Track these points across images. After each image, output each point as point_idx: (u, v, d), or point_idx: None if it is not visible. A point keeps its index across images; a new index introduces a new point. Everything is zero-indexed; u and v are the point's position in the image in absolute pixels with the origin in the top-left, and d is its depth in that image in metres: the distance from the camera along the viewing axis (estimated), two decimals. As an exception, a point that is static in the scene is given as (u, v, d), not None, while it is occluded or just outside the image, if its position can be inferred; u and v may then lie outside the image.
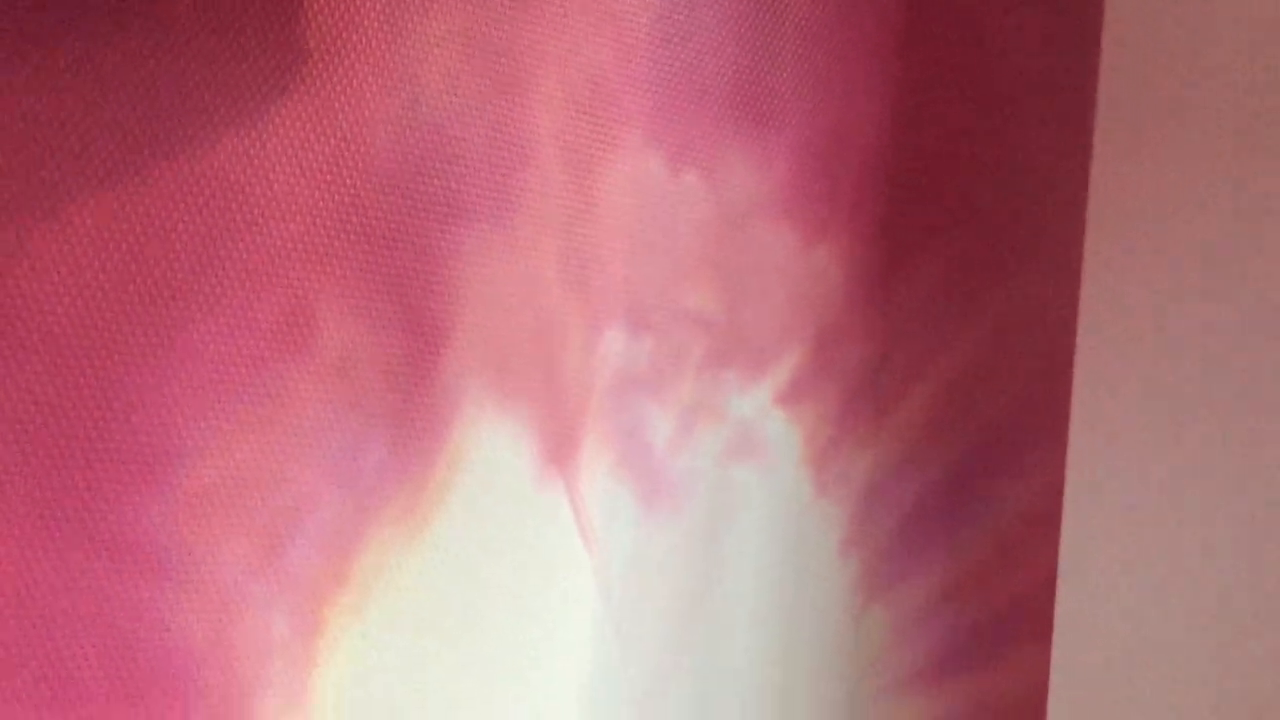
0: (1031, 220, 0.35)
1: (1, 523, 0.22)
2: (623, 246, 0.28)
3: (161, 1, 0.24)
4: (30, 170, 0.22)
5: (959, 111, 0.34)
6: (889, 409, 0.31)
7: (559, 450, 0.27)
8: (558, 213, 0.27)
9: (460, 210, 0.26)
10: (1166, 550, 0.31)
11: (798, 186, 0.30)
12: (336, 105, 0.26)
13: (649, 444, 0.29)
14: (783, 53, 0.31)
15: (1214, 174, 0.34)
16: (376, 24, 0.25)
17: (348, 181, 0.25)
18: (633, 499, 0.28)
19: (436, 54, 0.25)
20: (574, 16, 0.28)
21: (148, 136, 0.23)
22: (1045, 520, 0.35)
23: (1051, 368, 0.35)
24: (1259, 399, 0.30)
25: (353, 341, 0.25)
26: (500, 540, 0.27)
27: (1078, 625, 0.32)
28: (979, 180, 0.34)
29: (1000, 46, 0.33)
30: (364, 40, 0.25)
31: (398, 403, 0.26)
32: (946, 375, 0.32)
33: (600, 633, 0.28)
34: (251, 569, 0.24)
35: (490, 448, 0.27)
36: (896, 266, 0.31)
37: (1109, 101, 0.35)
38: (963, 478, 0.33)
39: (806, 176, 0.30)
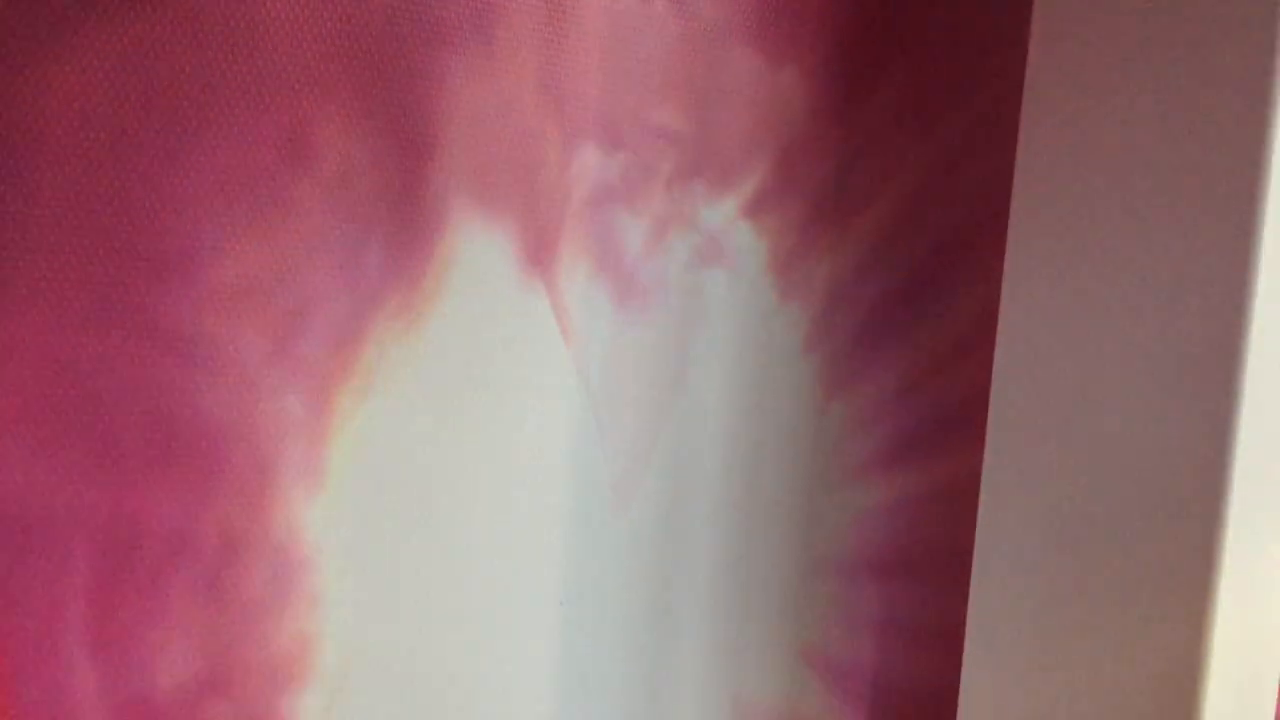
0: (980, 46, 0.37)
1: (54, 312, 0.25)
2: (596, 68, 0.30)
3: None
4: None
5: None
6: (848, 221, 0.34)
7: (539, 254, 0.30)
8: (534, 38, 0.29)
9: (444, 35, 0.28)
10: (1095, 348, 0.34)
11: (764, 11, 0.32)
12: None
13: (622, 250, 0.31)
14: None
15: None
16: None
17: (339, 8, 0.28)
18: (608, 299, 0.31)
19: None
20: None
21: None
22: (988, 324, 0.38)
23: (995, 184, 0.38)
24: (1190, 210, 0.33)
25: (349, 156, 0.28)
26: (488, 333, 0.30)
27: (1009, 417, 0.35)
28: (935, 7, 0.36)
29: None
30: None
31: (392, 211, 0.28)
32: (902, 190, 0.34)
33: (579, 416, 0.31)
34: (268, 356, 0.27)
35: (476, 251, 0.30)
36: (857, 89, 0.33)
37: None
38: (915, 284, 0.35)
39: (772, 1, 0.32)
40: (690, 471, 0.33)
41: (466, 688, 0.31)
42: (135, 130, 0.25)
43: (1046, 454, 0.32)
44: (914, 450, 0.36)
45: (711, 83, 0.31)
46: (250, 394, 0.26)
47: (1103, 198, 0.31)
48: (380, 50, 0.27)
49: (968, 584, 0.37)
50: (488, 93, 0.29)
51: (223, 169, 0.26)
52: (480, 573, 0.31)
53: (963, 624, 0.38)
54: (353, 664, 0.28)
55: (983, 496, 0.32)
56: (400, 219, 0.28)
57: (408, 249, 0.28)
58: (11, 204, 0.24)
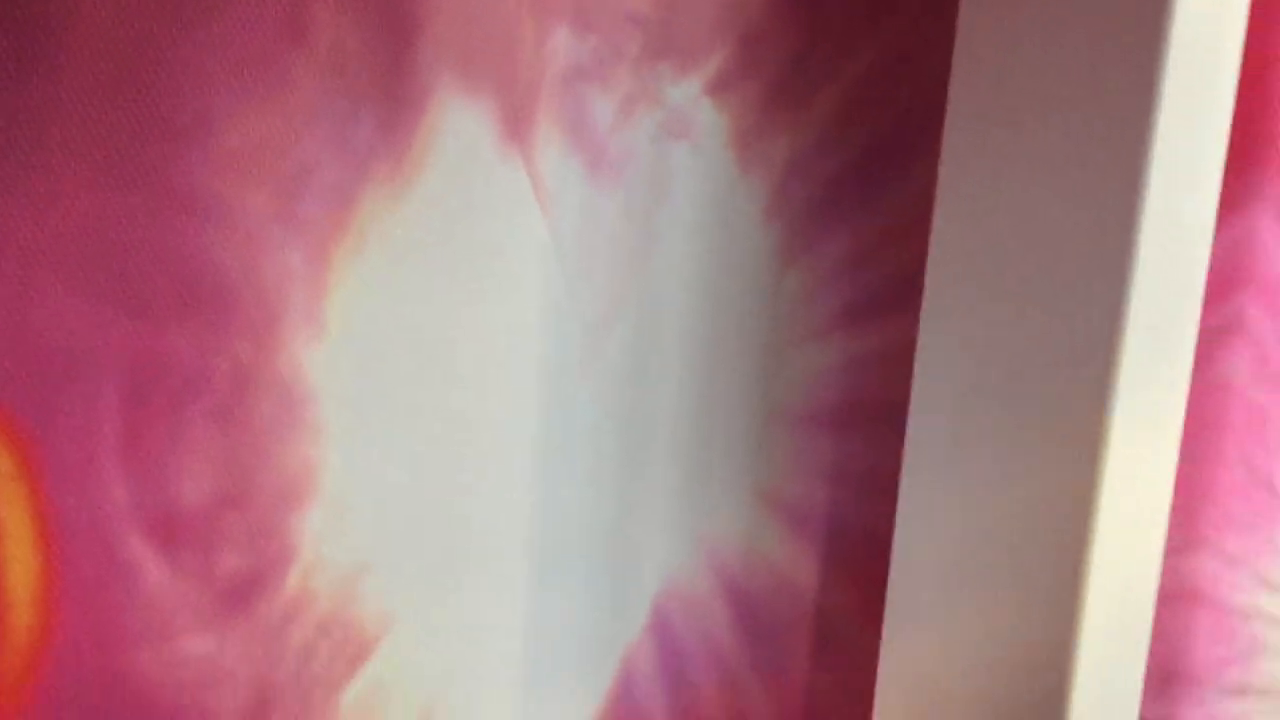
0: None
1: (86, 171, 0.29)
2: None
3: None
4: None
5: None
6: (805, 101, 0.37)
7: (517, 127, 0.33)
8: None
9: None
10: (1012, 227, 0.37)
11: None
12: None
13: (593, 124, 0.34)
14: None
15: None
16: None
17: None
18: (580, 169, 0.34)
19: None
20: None
21: None
22: (931, 202, 0.41)
23: (937, 76, 0.41)
24: (1090, 123, 0.36)
25: (341, 37, 0.31)
26: (470, 197, 0.34)
27: (942, 288, 0.38)
28: None
29: None
30: None
31: (381, 87, 0.32)
32: (854, 75, 0.37)
33: (553, 274, 0.35)
34: (272, 215, 0.31)
35: (459, 123, 0.33)
36: None
37: None
38: (867, 162, 0.38)
39: None
40: (656, 326, 0.37)
41: (452, 512, 0.35)
42: (152, 12, 0.28)
43: (972, 321, 0.35)
44: (863, 314, 0.39)
45: None
46: (256, 248, 0.30)
47: (1025, 99, 0.34)
48: None
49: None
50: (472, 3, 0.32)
51: (230, 47, 0.29)
52: (464, 409, 0.35)
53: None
54: (351, 486, 0.33)
55: (918, 356, 0.36)
56: (389, 94, 0.32)
57: (395, 121, 0.32)
58: (45, 73, 0.27)
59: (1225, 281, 0.38)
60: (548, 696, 0.38)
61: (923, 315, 0.36)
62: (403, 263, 0.33)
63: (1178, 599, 0.38)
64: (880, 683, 0.38)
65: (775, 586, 0.40)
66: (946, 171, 0.36)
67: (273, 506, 0.32)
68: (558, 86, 0.35)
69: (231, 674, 0.32)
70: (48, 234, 0.28)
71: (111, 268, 0.29)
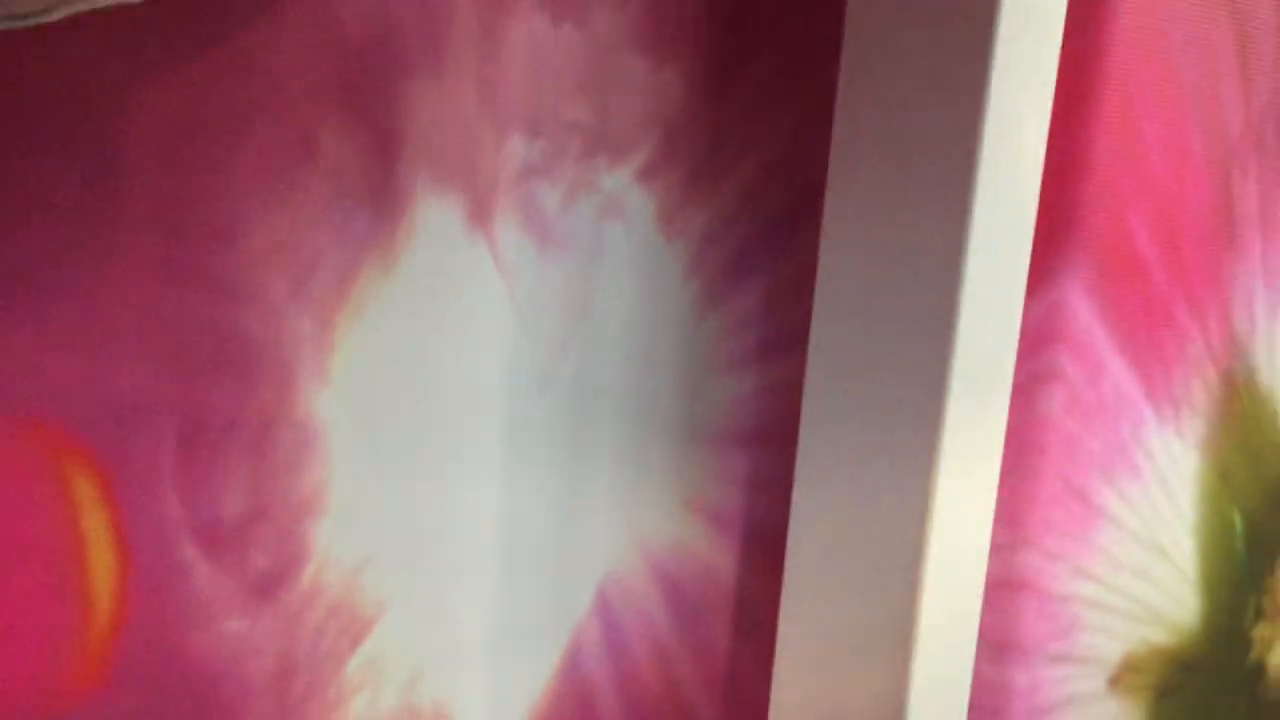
0: (808, 58, 0.45)
1: (146, 265, 0.35)
2: (519, 78, 0.39)
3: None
4: None
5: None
6: (716, 185, 0.40)
7: (480, 216, 0.38)
8: (473, 58, 0.37)
9: (407, 60, 0.37)
10: (878, 280, 0.41)
11: (648, 25, 0.41)
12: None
13: (542, 209, 0.38)
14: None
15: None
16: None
17: (331, 48, 0.37)
18: (532, 245, 0.38)
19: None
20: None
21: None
22: (815, 263, 0.44)
23: (821, 159, 0.43)
24: (937, 187, 0.40)
25: (341, 152, 0.36)
26: (444, 270, 0.37)
27: (826, 326, 0.40)
28: (782, 22, 0.43)
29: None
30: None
31: (373, 189, 0.37)
32: (755, 161, 0.42)
33: (512, 329, 0.38)
34: (289, 294, 0.36)
35: (434, 213, 0.37)
36: (723, 83, 0.41)
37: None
38: (765, 230, 0.41)
39: (654, 17, 0.41)
40: (597, 366, 0.41)
41: (433, 519, 0.39)
42: (194, 141, 0.34)
43: (842, 361, 0.39)
44: (766, 352, 0.43)
45: (608, 82, 0.39)
46: (277, 321, 0.36)
47: (877, 191, 0.38)
48: (359, 75, 0.36)
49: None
50: (440, 100, 0.37)
51: (255, 166, 0.35)
52: (441, 436, 0.38)
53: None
54: (352, 501, 0.38)
55: (805, 388, 0.41)
56: (377, 193, 0.37)
57: (383, 215, 0.37)
58: (114, 193, 0.34)
59: (1043, 337, 0.40)
60: (510, 665, 0.41)
61: (809, 354, 0.41)
62: (392, 323, 0.38)
63: (1009, 586, 0.40)
64: (779, 647, 0.43)
65: (698, 574, 0.44)
66: (825, 242, 0.40)
67: (292, 518, 0.38)
68: (513, 181, 0.39)
69: (261, 649, 0.38)
70: (123, 314, 0.34)
71: (169, 340, 0.35)
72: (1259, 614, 0.49)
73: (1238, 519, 0.46)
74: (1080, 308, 0.40)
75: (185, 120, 0.33)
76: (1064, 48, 0.38)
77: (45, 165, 0.32)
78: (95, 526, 0.34)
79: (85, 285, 0.32)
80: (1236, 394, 0.44)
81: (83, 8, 0.27)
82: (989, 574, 0.40)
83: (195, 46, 0.32)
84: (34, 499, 0.33)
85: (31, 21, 0.27)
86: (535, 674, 0.41)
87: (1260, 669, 0.50)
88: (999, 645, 0.40)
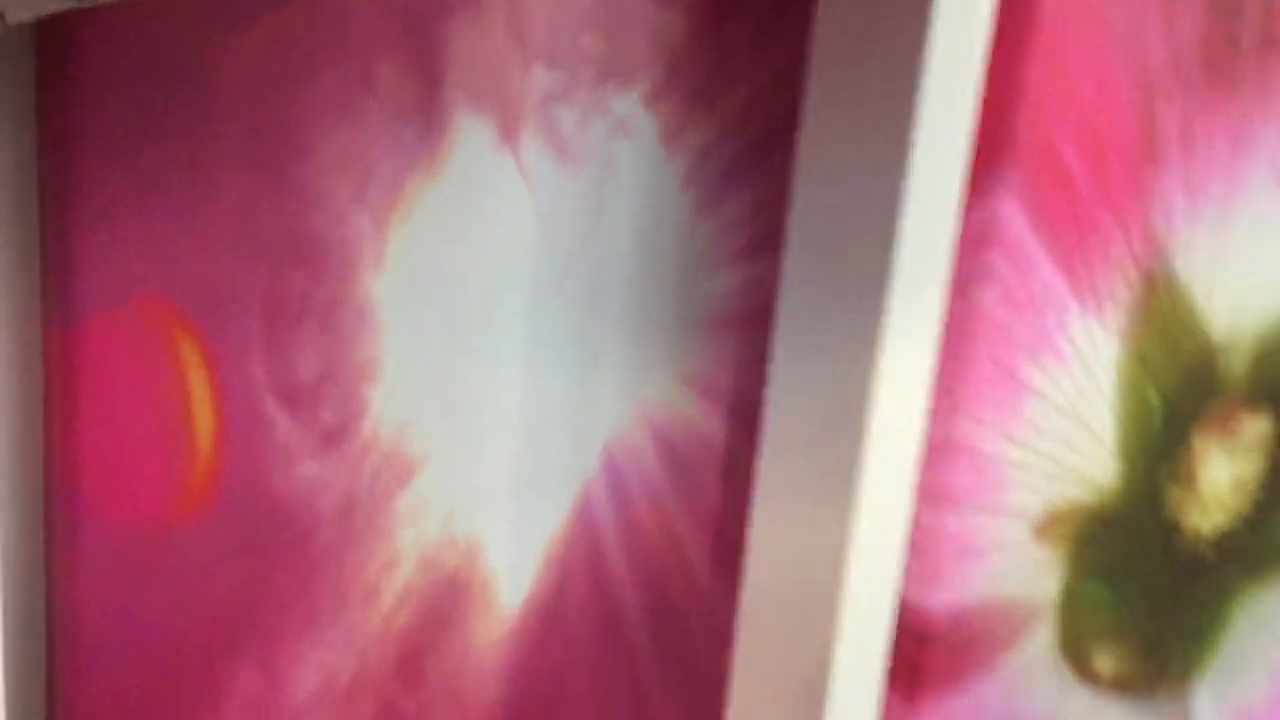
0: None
1: (241, 174, 0.42)
2: (542, 17, 0.45)
3: None
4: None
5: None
6: (712, 106, 0.43)
7: (508, 134, 0.42)
8: (503, 2, 0.44)
9: (447, 9, 0.43)
10: (847, 188, 0.42)
11: None
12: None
13: (561, 129, 0.43)
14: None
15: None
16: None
17: (384, 2, 0.42)
18: (552, 160, 0.43)
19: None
20: None
21: None
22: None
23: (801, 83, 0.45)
24: (884, 108, 0.40)
25: (394, 82, 0.43)
26: (478, 181, 0.43)
27: (798, 236, 0.43)
28: None
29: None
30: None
31: (420, 111, 0.43)
32: (747, 86, 0.43)
33: (534, 228, 0.43)
34: (352, 198, 0.43)
35: (470, 133, 0.42)
36: (721, 17, 0.42)
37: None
38: (754, 146, 0.44)
39: None
40: (608, 260, 0.45)
41: (468, 387, 0.45)
42: (275, 73, 0.41)
43: (813, 258, 0.42)
44: (755, 251, 0.45)
45: (618, 19, 0.44)
46: (343, 219, 0.43)
47: (846, 112, 0.41)
48: (408, 18, 0.43)
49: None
50: (474, 38, 0.44)
51: (324, 93, 0.42)
52: (475, 318, 0.44)
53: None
54: (401, 369, 0.44)
55: (782, 281, 0.46)
56: (425, 116, 0.44)
57: (429, 134, 0.44)
58: (213, 115, 0.40)
59: (979, 242, 0.43)
60: (530, 509, 0.46)
61: (785, 254, 0.46)
62: (434, 223, 0.44)
63: (945, 447, 0.43)
64: (756, 497, 0.46)
65: (690, 437, 0.47)
66: (801, 159, 0.44)
67: (353, 382, 0.45)
68: (536, 104, 0.45)
69: (328, 488, 0.46)
70: (222, 216, 0.41)
71: (257, 235, 0.42)
72: (1174, 479, 0.50)
73: (1155, 397, 0.48)
74: (1013, 217, 0.43)
75: (270, 60, 0.40)
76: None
77: (165, 99, 0.39)
78: (197, 388, 0.41)
79: (194, 195, 0.39)
80: (1155, 289, 0.46)
81: None
82: (928, 436, 0.46)
83: (276, 1, 0.39)
84: (151, 365, 0.41)
85: None
86: (551, 516, 0.47)
87: (1174, 525, 0.51)
88: (935, 496, 0.43)
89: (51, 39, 0.36)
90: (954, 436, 0.46)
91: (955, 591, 0.48)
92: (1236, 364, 0.52)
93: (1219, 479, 0.53)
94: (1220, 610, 0.56)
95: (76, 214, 0.38)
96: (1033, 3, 0.42)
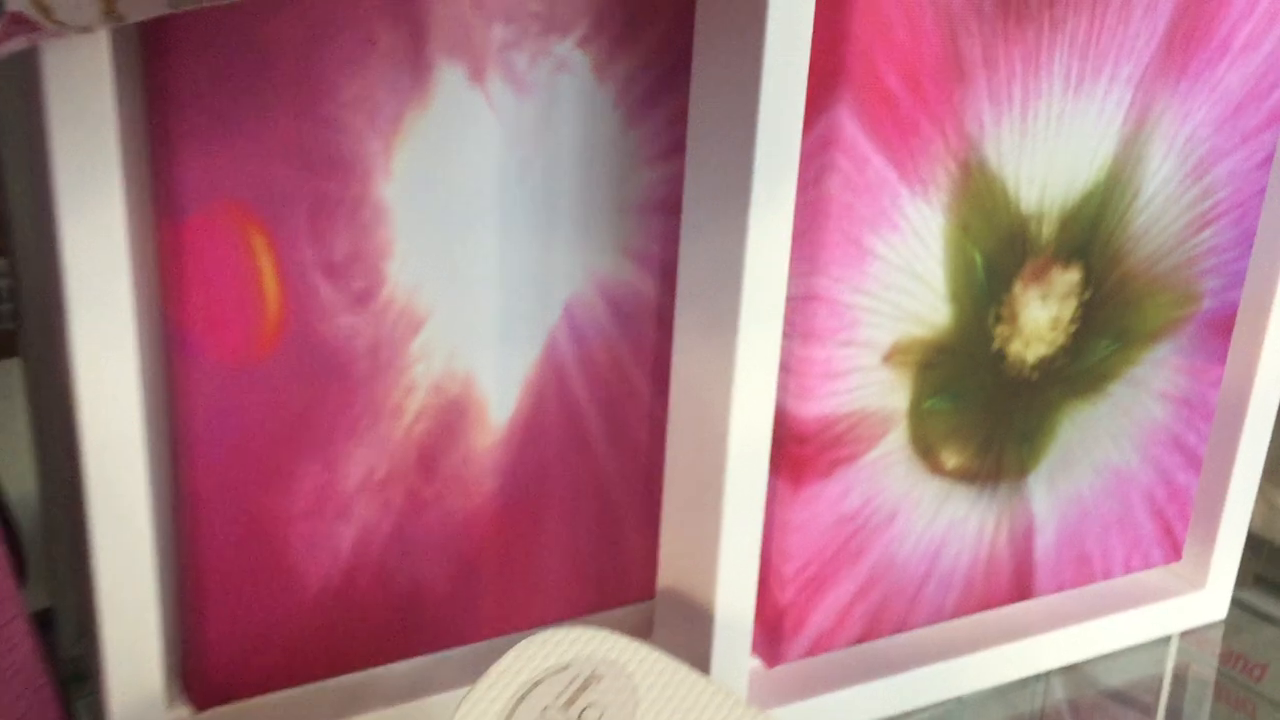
0: None
1: (288, 109, 0.52)
2: None
3: None
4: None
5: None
6: (633, 44, 0.48)
7: (477, 75, 0.46)
8: None
9: None
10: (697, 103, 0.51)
11: None
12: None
13: (516, 69, 0.47)
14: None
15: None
16: None
17: None
18: (511, 93, 0.47)
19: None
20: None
21: None
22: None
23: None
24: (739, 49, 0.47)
25: (391, 42, 0.43)
26: (457, 111, 0.46)
27: (695, 137, 0.50)
28: None
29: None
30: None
31: (411, 63, 0.45)
32: (660, 26, 0.49)
33: (501, 146, 0.47)
34: (367, 125, 0.48)
35: (449, 76, 0.46)
36: None
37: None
38: (666, 73, 0.49)
39: None
40: (557, 166, 0.51)
41: (459, 257, 0.51)
42: (309, 33, 0.46)
43: (706, 154, 0.51)
44: (672, 152, 0.52)
45: None
46: (360, 142, 0.51)
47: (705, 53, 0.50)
48: None
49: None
50: (449, 5, 0.47)
51: (343, 48, 0.51)
52: (461, 211, 0.50)
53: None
54: (410, 247, 0.49)
55: (686, 174, 0.51)
56: (415, 65, 0.46)
57: (419, 77, 0.47)
58: (268, 73, 0.52)
59: (822, 145, 0.52)
60: (511, 350, 0.52)
61: (687, 156, 0.53)
62: (426, 144, 0.47)
63: (805, 298, 0.54)
64: (675, 338, 0.56)
65: (629, 294, 0.55)
66: (693, 83, 0.52)
67: (374, 259, 0.46)
68: (496, 52, 0.48)
69: (360, 334, 0.48)
70: (276, 139, 0.53)
71: (302, 152, 0.53)
72: (998, 319, 0.61)
73: (978, 256, 0.58)
74: (848, 125, 0.52)
75: (308, 26, 0.51)
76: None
77: (237, 56, 0.50)
78: (265, 265, 0.53)
79: (257, 125, 0.51)
80: (971, 174, 0.56)
81: None
82: (790, 290, 0.54)
83: None
84: (233, 249, 0.54)
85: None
86: (527, 355, 0.53)
87: (1002, 354, 0.62)
88: (803, 334, 0.54)
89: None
90: (814, 289, 0.59)
91: (823, 403, 0.60)
92: (1046, 230, 0.65)
93: (1038, 319, 0.66)
94: (1046, 419, 0.67)
95: (174, 138, 0.45)
96: None
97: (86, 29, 0.37)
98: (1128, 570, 0.73)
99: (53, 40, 0.41)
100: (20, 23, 0.36)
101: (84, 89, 0.43)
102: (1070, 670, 0.74)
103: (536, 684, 0.44)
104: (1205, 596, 0.74)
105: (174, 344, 0.51)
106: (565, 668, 0.45)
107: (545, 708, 0.44)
